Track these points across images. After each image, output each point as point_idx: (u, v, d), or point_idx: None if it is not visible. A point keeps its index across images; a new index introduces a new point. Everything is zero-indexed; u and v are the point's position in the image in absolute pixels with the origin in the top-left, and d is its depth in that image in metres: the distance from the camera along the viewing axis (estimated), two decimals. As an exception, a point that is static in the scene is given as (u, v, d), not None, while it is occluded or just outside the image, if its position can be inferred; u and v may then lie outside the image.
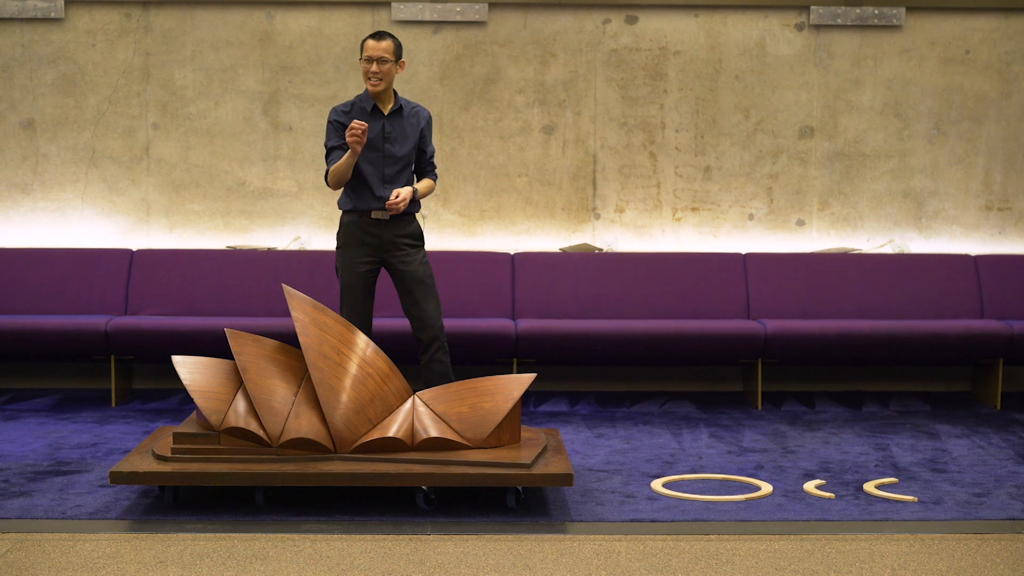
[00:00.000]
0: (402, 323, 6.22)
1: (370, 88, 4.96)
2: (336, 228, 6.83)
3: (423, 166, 5.16)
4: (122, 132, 6.82)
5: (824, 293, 6.68)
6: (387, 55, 4.92)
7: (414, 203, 5.06)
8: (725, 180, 6.88)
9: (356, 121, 4.74)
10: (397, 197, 4.87)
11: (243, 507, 4.24)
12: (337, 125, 4.99)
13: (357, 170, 4.95)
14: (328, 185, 4.98)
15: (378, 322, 6.22)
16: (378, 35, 4.95)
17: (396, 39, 4.97)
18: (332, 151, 4.99)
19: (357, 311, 5.00)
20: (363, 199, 4.97)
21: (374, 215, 4.97)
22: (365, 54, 4.93)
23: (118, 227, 6.83)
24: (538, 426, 5.70)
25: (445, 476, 4.16)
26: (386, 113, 5.01)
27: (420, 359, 5.02)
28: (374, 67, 4.92)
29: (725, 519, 4.21)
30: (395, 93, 5.05)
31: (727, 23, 6.84)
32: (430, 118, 5.15)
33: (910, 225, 6.93)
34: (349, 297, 5.01)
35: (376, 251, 5.00)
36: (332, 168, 4.92)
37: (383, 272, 5.36)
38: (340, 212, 5.06)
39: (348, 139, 4.74)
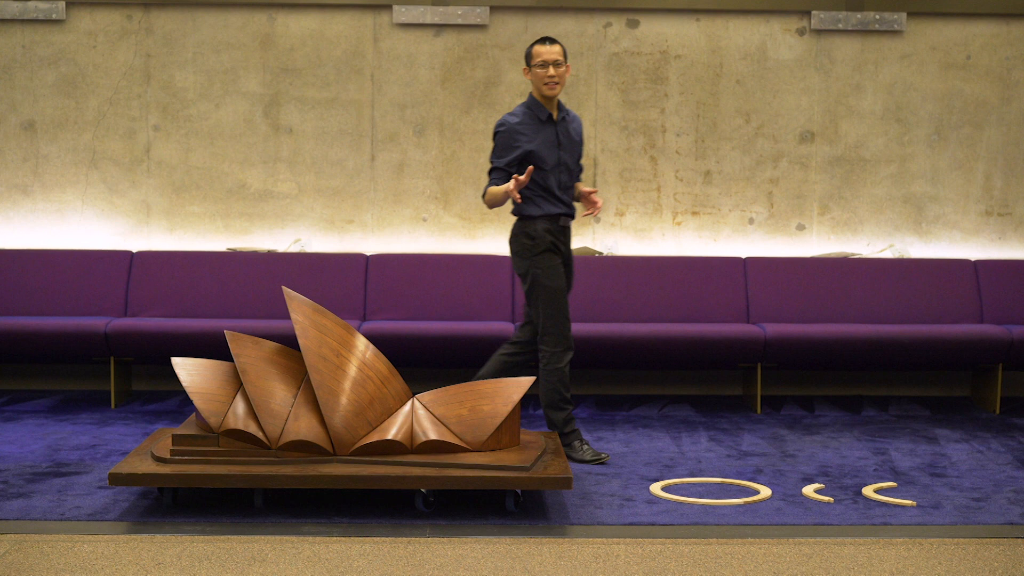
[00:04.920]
0: (401, 326, 6.23)
1: (548, 92, 5.01)
2: (335, 231, 6.84)
3: (577, 172, 5.25)
4: (123, 134, 6.82)
5: (824, 297, 6.69)
6: (561, 58, 5.00)
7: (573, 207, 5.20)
8: (725, 184, 6.89)
9: (518, 177, 4.78)
10: (597, 204, 5.09)
11: (242, 509, 4.24)
12: (513, 139, 4.99)
13: (537, 180, 5.01)
14: (483, 200, 5.05)
15: (375, 325, 6.22)
16: (547, 40, 5.03)
17: (562, 44, 5.06)
18: (495, 171, 5.03)
19: (565, 313, 5.09)
20: (553, 205, 5.04)
21: (562, 221, 5.07)
22: (539, 59, 4.98)
23: (118, 229, 6.83)
24: (537, 429, 5.70)
25: (444, 479, 4.16)
26: (555, 121, 5.07)
27: (507, 349, 5.18)
28: (551, 71, 4.97)
29: (724, 523, 4.21)
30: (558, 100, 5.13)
31: (728, 27, 6.85)
32: (581, 123, 5.27)
33: (910, 230, 6.93)
34: (559, 299, 5.07)
35: (560, 255, 5.11)
36: (490, 190, 4.97)
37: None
38: (516, 219, 5.12)
39: (512, 186, 4.80)
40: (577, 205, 5.39)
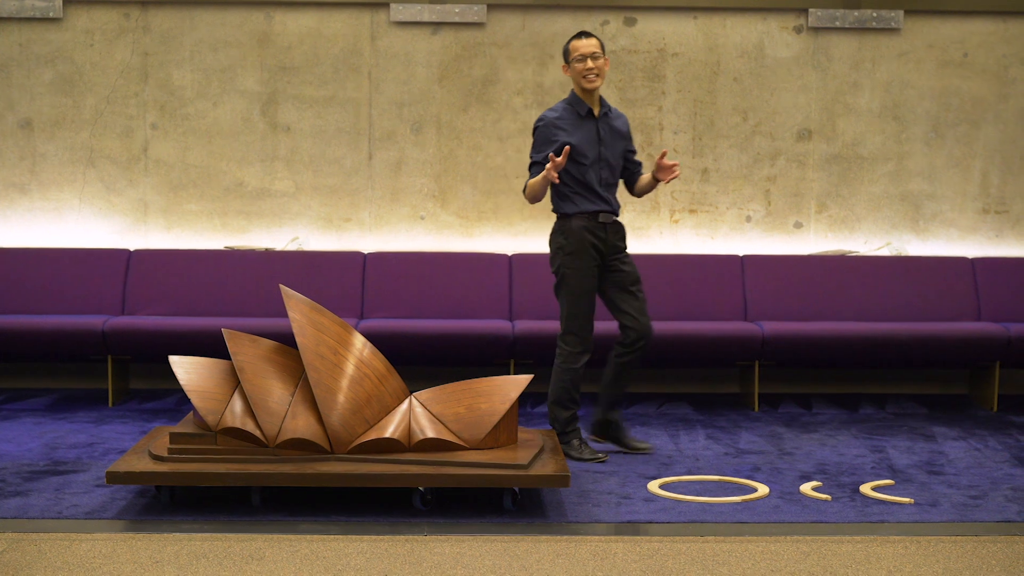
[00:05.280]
0: (398, 324, 6.23)
1: (588, 86, 4.99)
2: (332, 230, 6.84)
3: (634, 168, 5.21)
4: (120, 132, 6.81)
5: (821, 295, 6.69)
6: (598, 50, 5.00)
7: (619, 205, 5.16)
8: (723, 182, 6.89)
9: (555, 159, 4.78)
10: (672, 166, 4.99)
11: (240, 507, 4.24)
12: (550, 134, 4.99)
13: (575, 176, 4.99)
14: (524, 195, 5.04)
15: (372, 323, 6.22)
16: (583, 34, 5.03)
17: (599, 37, 5.05)
18: (534, 166, 5.02)
19: (592, 314, 5.07)
20: (590, 202, 5.01)
21: (601, 218, 5.02)
22: (577, 53, 4.98)
23: (116, 227, 6.83)
24: (535, 427, 5.70)
25: (442, 477, 4.16)
26: (597, 116, 5.05)
27: (616, 351, 5.12)
28: (589, 63, 4.97)
29: (721, 520, 4.21)
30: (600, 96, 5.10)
31: (726, 25, 6.85)
32: (627, 119, 5.23)
33: (907, 228, 6.94)
34: (585, 300, 5.05)
35: (602, 255, 5.06)
36: (529, 183, 4.97)
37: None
38: (556, 217, 5.10)
39: (547, 171, 4.79)
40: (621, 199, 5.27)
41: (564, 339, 5.09)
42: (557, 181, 4.86)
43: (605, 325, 5.42)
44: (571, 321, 5.06)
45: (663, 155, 5.01)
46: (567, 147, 4.84)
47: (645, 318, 5.10)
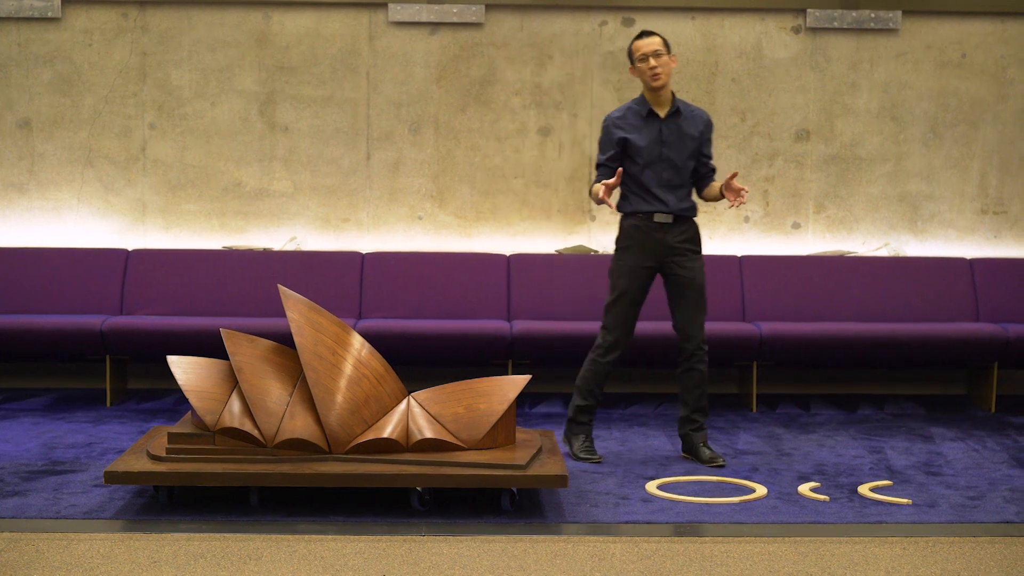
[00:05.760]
0: (396, 324, 6.22)
1: (653, 84, 4.95)
2: (331, 230, 6.84)
3: (704, 172, 5.09)
4: (118, 132, 6.81)
5: (819, 296, 6.69)
6: (661, 48, 4.95)
7: (694, 207, 5.06)
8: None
9: (606, 182, 4.78)
10: (741, 191, 4.81)
11: (238, 507, 4.24)
12: (610, 133, 4.99)
13: (634, 176, 4.97)
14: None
15: (370, 323, 6.22)
16: (645, 33, 5.00)
17: (661, 35, 5.00)
18: (599, 168, 5.02)
19: (632, 314, 5.05)
20: (646, 202, 4.97)
21: (656, 218, 4.97)
22: (640, 53, 4.95)
23: (114, 227, 6.83)
24: (533, 427, 5.70)
25: (440, 477, 4.16)
26: (663, 116, 5.00)
27: (679, 364, 5.09)
28: (651, 62, 4.93)
29: (719, 521, 4.21)
30: (673, 95, 5.03)
31: (724, 26, 6.85)
32: (710, 121, 5.11)
33: (905, 228, 6.94)
34: (627, 299, 5.02)
35: (656, 255, 5.00)
36: (593, 188, 4.96)
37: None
38: (618, 215, 5.08)
39: (602, 192, 4.80)
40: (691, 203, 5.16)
41: (601, 333, 5.10)
42: (611, 206, 4.88)
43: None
44: (607, 315, 5.06)
45: (734, 175, 4.85)
46: (620, 169, 4.82)
47: (690, 325, 5.03)
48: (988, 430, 5.90)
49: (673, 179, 4.99)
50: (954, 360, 6.51)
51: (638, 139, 4.96)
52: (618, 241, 5.06)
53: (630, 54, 5.02)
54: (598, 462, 5.04)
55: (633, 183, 4.99)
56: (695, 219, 5.06)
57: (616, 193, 5.04)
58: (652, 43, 4.95)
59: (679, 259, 5.01)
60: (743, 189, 4.81)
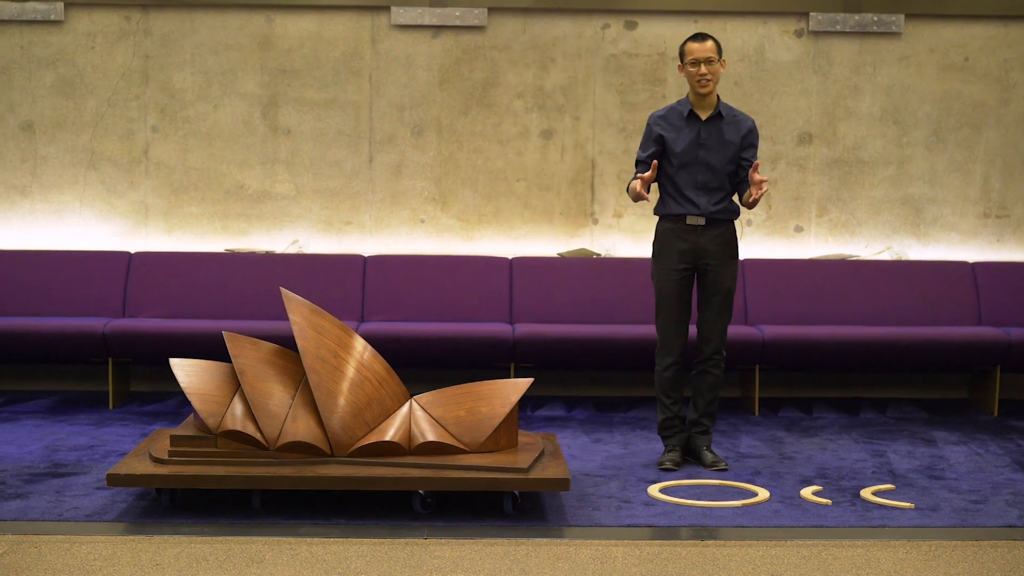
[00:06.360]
0: (399, 327, 6.23)
1: (700, 91, 4.92)
2: (333, 232, 6.84)
3: (745, 177, 5.00)
4: (121, 135, 6.82)
5: (822, 299, 6.69)
6: (713, 55, 4.91)
7: (731, 211, 5.02)
8: (723, 186, 6.88)
9: (641, 176, 4.82)
10: (761, 182, 4.74)
11: (240, 510, 4.24)
12: (650, 130, 5.01)
13: (670, 176, 4.97)
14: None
15: (373, 326, 6.22)
16: (700, 36, 4.94)
17: (715, 38, 4.96)
18: (638, 164, 5.03)
19: (673, 318, 5.03)
20: (678, 204, 4.96)
21: (689, 220, 4.96)
22: (690, 57, 4.91)
23: (116, 229, 6.83)
24: (535, 431, 5.70)
25: (442, 480, 4.16)
26: (704, 119, 4.97)
27: (694, 366, 5.11)
28: (702, 68, 4.90)
29: (722, 525, 4.21)
30: (718, 98, 5.01)
31: (727, 29, 6.85)
32: (753, 127, 5.04)
33: (908, 232, 6.94)
34: (664, 304, 5.03)
35: (690, 257, 4.98)
36: (630, 184, 4.96)
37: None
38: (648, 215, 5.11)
39: (637, 183, 4.82)
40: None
41: (657, 344, 5.12)
42: (647, 200, 4.89)
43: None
44: (656, 324, 5.08)
45: (755, 167, 4.80)
46: (655, 163, 4.83)
47: (711, 330, 5.04)
48: (990, 434, 5.90)
49: (709, 182, 4.95)
50: (957, 364, 6.51)
51: (675, 139, 4.96)
52: (653, 245, 5.08)
53: (681, 54, 4.97)
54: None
55: (669, 184, 4.99)
56: (733, 223, 5.04)
57: (655, 195, 5.06)
58: (705, 49, 4.89)
59: (711, 262, 4.99)
60: (763, 180, 4.77)
